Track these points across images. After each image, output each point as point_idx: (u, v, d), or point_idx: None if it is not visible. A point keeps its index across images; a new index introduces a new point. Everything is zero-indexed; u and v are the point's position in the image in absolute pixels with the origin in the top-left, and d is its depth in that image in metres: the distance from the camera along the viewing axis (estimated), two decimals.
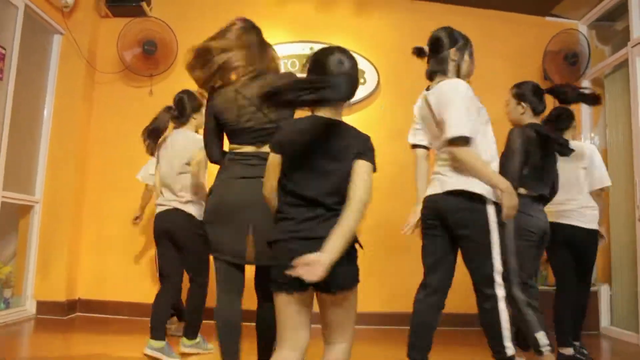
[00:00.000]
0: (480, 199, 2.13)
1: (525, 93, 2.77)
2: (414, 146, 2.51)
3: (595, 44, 4.64)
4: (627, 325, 4.00)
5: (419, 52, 2.36)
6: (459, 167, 2.17)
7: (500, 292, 2.11)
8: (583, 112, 4.64)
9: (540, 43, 4.58)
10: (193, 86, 4.36)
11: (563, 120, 3.16)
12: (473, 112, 2.16)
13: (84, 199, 4.44)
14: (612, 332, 4.14)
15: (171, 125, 3.16)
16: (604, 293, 4.25)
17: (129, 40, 4.43)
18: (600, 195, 3.18)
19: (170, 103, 3.19)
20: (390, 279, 4.24)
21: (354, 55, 1.65)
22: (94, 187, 4.46)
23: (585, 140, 4.59)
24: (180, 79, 4.53)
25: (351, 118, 4.50)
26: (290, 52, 4.56)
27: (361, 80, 4.52)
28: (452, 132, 2.10)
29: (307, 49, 4.57)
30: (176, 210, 2.98)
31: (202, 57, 2.09)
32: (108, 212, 4.42)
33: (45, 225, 4.23)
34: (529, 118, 2.75)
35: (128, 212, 4.33)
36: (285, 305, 1.51)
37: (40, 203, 4.24)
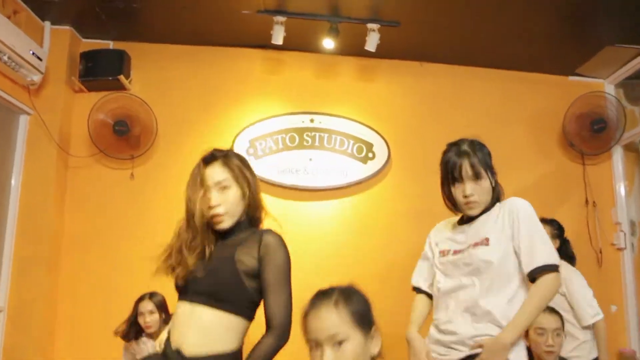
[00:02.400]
0: None
1: None
2: None
3: (624, 105, 4.21)
4: None
5: None
6: None
7: None
8: (615, 181, 4.19)
9: (563, 105, 4.14)
10: (176, 167, 3.92)
11: None
12: None
13: (56, 304, 3.83)
14: None
15: None
16: None
17: (101, 119, 3.88)
18: None
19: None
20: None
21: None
22: (69, 289, 3.85)
23: (621, 211, 4.12)
24: (162, 160, 4.07)
25: (360, 197, 4.03)
26: (288, 126, 4.00)
27: (369, 155, 4.04)
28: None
29: (307, 121, 4.08)
30: None
31: None
32: (85, 317, 3.81)
33: (10, 336, 3.59)
34: None
35: (108, 317, 3.75)
36: None
37: (5, 312, 3.64)
